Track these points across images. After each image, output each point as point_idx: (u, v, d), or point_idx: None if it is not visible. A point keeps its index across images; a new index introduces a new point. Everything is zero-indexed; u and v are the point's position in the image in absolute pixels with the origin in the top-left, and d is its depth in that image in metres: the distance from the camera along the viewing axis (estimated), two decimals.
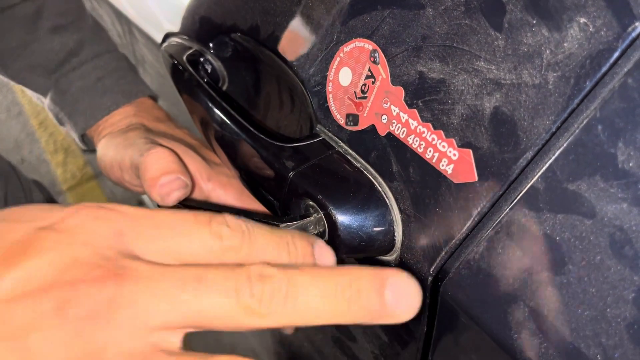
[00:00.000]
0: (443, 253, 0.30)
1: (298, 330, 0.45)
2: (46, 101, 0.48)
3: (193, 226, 0.23)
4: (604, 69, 0.24)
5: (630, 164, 0.23)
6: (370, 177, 0.33)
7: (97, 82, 0.46)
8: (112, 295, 0.20)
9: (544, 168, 0.25)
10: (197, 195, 0.42)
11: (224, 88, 0.47)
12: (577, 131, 0.24)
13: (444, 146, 0.29)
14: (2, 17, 0.46)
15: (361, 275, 0.23)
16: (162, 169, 0.37)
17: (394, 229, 0.32)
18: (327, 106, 0.36)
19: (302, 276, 0.22)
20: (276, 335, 0.48)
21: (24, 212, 0.23)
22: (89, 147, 0.49)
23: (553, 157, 0.25)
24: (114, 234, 0.22)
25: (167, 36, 0.51)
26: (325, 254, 0.25)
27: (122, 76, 0.47)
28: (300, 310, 0.21)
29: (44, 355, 0.19)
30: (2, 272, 0.20)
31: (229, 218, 0.24)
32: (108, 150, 0.43)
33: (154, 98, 0.49)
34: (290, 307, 0.21)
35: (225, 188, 0.42)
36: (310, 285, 0.22)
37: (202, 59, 0.47)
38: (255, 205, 0.43)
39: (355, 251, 0.33)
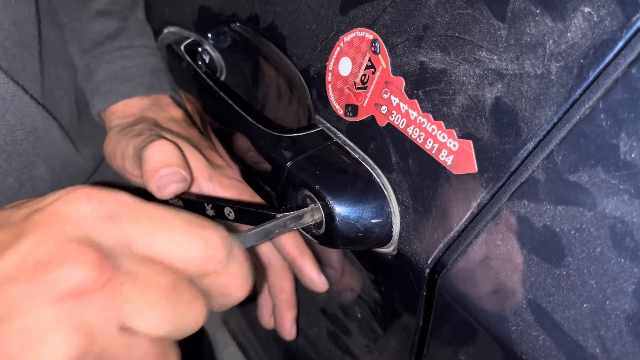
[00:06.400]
0: (441, 245, 0.29)
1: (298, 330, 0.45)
2: (78, 78, 0.50)
3: (186, 227, 0.23)
4: (607, 59, 0.23)
5: (633, 155, 0.22)
6: (368, 168, 0.33)
7: (122, 69, 0.47)
8: (104, 281, 0.21)
9: (545, 159, 0.25)
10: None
11: (222, 78, 0.47)
12: (579, 122, 0.24)
13: (444, 137, 0.29)
14: None
15: None
16: (162, 161, 0.37)
17: (391, 220, 0.32)
18: (326, 96, 0.35)
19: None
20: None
21: (25, 200, 0.24)
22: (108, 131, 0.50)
23: (554, 148, 0.25)
24: (106, 217, 0.22)
25: (164, 26, 0.50)
26: None
27: (148, 70, 0.48)
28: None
29: (40, 333, 0.20)
30: (2, 253, 0.21)
31: (221, 232, 0.24)
32: (113, 137, 0.43)
33: (176, 100, 0.49)
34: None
35: (226, 188, 0.42)
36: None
37: (200, 49, 0.47)
38: None
39: (352, 243, 0.32)
